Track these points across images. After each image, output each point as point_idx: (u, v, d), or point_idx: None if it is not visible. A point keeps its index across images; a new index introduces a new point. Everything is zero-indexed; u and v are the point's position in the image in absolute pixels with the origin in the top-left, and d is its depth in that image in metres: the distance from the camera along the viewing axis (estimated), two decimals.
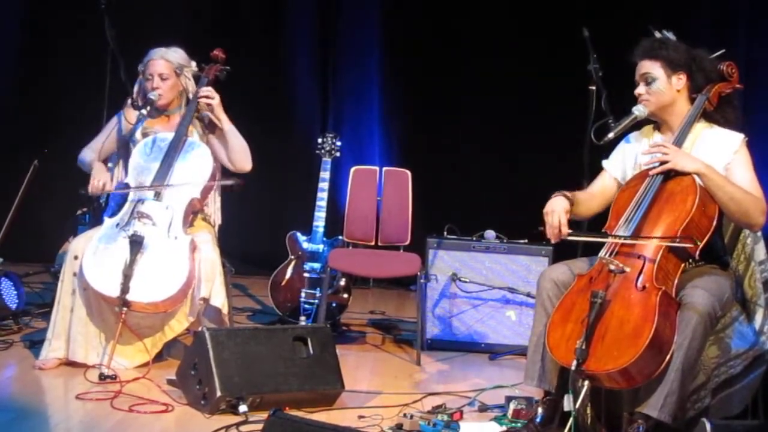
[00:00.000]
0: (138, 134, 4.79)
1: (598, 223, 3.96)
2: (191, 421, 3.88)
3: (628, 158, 3.98)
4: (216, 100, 4.75)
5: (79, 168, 4.80)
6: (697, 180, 3.65)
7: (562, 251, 4.84)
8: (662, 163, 3.71)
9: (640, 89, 3.87)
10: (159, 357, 4.61)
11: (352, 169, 5.75)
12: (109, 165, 4.82)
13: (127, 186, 4.68)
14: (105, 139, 4.81)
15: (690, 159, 3.70)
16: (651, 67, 3.83)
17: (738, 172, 3.73)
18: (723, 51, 3.92)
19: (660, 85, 3.82)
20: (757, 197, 3.68)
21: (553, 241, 3.76)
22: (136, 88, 4.82)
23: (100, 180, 4.64)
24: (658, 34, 3.88)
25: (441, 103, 7.11)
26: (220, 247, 4.68)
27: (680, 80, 3.84)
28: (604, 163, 4.06)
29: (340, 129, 6.90)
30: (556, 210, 3.74)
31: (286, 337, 4.15)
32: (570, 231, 3.73)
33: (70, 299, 4.49)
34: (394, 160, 7.00)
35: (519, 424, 3.90)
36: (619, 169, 4.01)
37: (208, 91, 4.75)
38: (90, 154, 4.79)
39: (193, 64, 4.83)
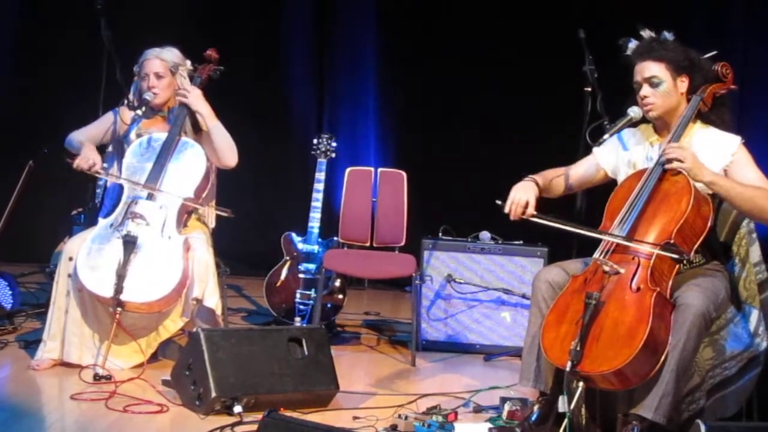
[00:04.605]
0: (133, 135, 4.77)
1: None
2: (186, 421, 3.88)
3: (622, 156, 3.96)
4: (193, 95, 4.69)
5: (75, 170, 4.68)
6: (692, 181, 3.63)
7: (558, 252, 4.84)
8: (675, 160, 3.63)
9: (646, 92, 3.78)
10: (154, 357, 4.61)
11: (348, 170, 5.75)
12: (104, 165, 4.80)
13: (120, 184, 4.65)
14: (102, 133, 4.78)
15: (705, 170, 3.63)
16: (656, 69, 3.76)
17: (743, 172, 3.70)
18: (715, 53, 3.87)
19: (667, 88, 3.76)
20: None
21: (511, 218, 3.78)
22: (132, 90, 4.81)
23: (90, 158, 4.58)
24: (645, 34, 3.83)
25: (436, 104, 7.11)
26: (214, 248, 4.68)
27: (683, 83, 3.79)
28: (596, 150, 4.01)
29: (335, 130, 6.89)
30: (527, 192, 3.79)
31: (281, 337, 4.14)
32: (535, 213, 3.75)
33: (65, 301, 4.49)
34: (389, 161, 7.00)
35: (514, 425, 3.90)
36: (611, 162, 3.99)
37: (187, 85, 4.74)
38: (80, 137, 4.74)
39: (188, 62, 4.82)
